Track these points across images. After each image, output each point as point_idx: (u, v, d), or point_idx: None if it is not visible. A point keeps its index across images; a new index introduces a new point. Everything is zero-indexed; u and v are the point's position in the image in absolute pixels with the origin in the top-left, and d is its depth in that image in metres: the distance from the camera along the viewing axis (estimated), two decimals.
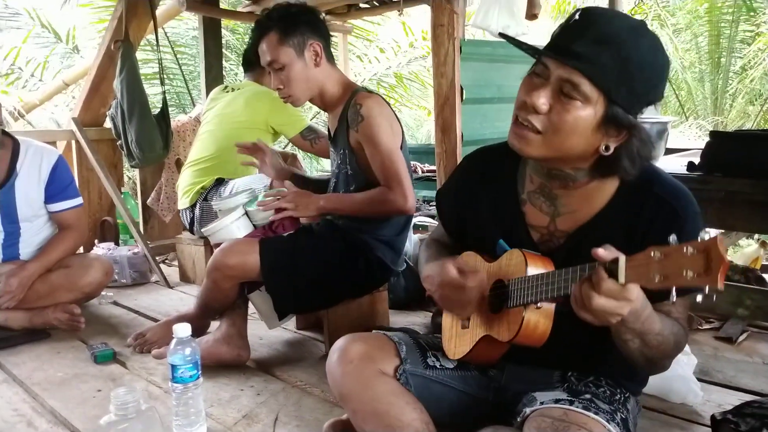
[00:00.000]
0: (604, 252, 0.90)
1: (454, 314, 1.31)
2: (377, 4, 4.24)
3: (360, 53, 7.57)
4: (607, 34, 1.04)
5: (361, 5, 4.31)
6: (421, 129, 9.14)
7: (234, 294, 2.04)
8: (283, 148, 4.81)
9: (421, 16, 7.24)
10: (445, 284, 1.22)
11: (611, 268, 0.89)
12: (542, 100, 1.07)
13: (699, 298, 0.81)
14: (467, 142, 2.72)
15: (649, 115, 2.79)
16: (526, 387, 1.24)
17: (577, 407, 1.12)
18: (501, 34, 1.27)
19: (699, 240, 0.79)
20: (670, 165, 2.46)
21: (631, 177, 1.13)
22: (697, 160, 2.21)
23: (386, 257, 2.11)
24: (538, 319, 1.11)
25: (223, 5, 4.48)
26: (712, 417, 1.03)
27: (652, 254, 0.83)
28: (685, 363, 1.88)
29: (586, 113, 1.05)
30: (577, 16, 1.07)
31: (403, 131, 2.07)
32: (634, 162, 1.10)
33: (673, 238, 0.83)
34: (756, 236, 4.40)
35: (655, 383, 1.78)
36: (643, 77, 1.05)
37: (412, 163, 3.89)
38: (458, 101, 2.68)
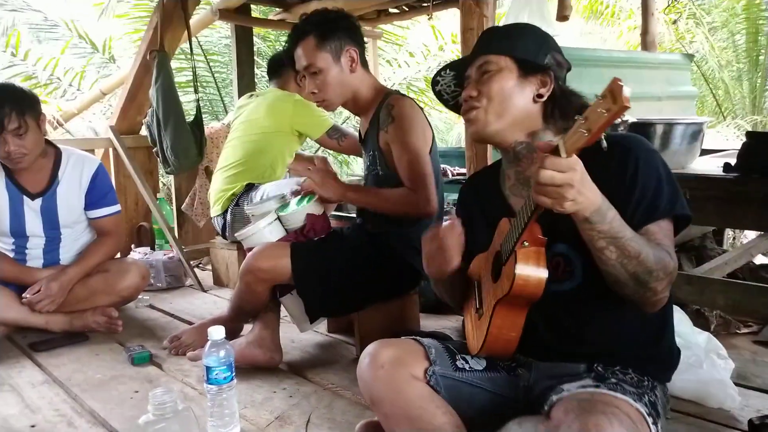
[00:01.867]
0: (544, 142, 1.05)
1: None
2: (407, 9, 4.26)
3: (390, 58, 7.59)
4: (494, 32, 1.43)
5: (391, 10, 4.33)
6: (451, 132, 9.11)
7: (266, 297, 2.07)
8: (315, 153, 4.85)
9: (450, 20, 7.23)
10: (426, 241, 1.39)
11: (555, 153, 0.99)
12: (471, 90, 1.32)
13: (622, 128, 0.93)
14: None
15: (685, 116, 2.76)
16: (553, 382, 1.24)
17: (603, 389, 1.13)
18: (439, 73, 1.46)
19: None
20: (706, 166, 2.42)
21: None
22: (733, 161, 2.17)
23: (416, 262, 2.10)
24: (530, 264, 1.14)
25: (254, 14, 4.55)
26: (750, 421, 1.01)
27: (578, 119, 0.94)
28: (722, 367, 1.84)
29: (503, 75, 1.30)
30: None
31: (434, 136, 2.08)
32: (568, 100, 1.30)
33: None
34: None
35: (691, 387, 1.75)
36: (526, 35, 1.36)
37: (442, 166, 3.91)
38: None
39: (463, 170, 3.69)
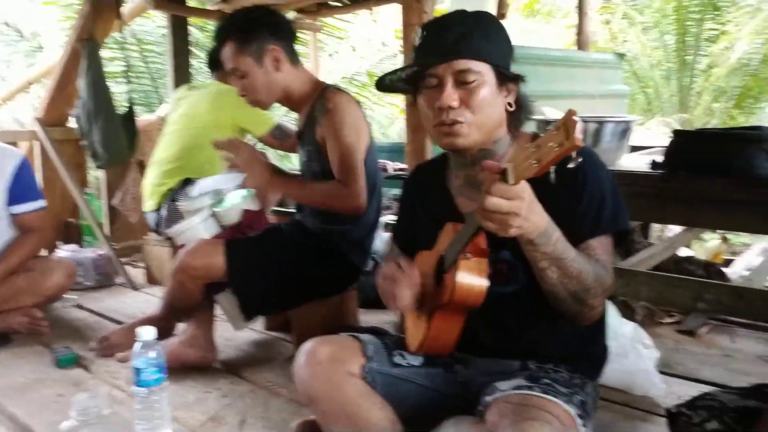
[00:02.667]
0: (491, 162, 1.01)
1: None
2: (348, 2, 4.22)
3: (331, 51, 7.54)
4: (465, 24, 1.25)
5: (332, 3, 4.29)
6: (393, 127, 9.14)
7: (200, 295, 2.02)
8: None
9: (393, 15, 7.24)
10: (383, 277, 1.33)
11: (502, 179, 0.98)
12: (453, 97, 1.22)
13: (571, 164, 0.89)
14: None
15: (615, 114, 2.85)
16: (489, 378, 1.27)
17: (536, 392, 1.15)
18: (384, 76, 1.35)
19: (559, 119, 0.88)
20: (634, 163, 2.51)
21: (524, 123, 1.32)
22: (660, 159, 2.26)
23: (355, 257, 2.11)
24: (472, 273, 1.16)
25: (191, 3, 4.42)
26: (668, 410, 1.05)
27: (528, 147, 0.92)
28: (647, 356, 1.91)
29: (486, 85, 1.23)
30: (425, 31, 1.27)
31: (371, 133, 2.07)
32: (527, 106, 1.30)
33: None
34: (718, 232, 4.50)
35: (617, 376, 1.81)
36: (501, 38, 1.29)
37: (382, 161, 3.91)
38: None
39: (404, 165, 3.71)
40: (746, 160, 2.00)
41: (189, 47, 4.12)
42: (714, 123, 7.63)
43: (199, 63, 6.37)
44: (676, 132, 2.36)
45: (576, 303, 1.14)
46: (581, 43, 4.13)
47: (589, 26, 4.36)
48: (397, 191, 3.91)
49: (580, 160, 0.89)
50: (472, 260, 1.15)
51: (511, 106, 1.28)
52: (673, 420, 1.04)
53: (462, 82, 1.22)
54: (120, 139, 3.37)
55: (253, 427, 1.70)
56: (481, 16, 1.28)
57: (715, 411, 0.99)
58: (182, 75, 3.92)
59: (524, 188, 0.98)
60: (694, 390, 1.85)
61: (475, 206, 1.30)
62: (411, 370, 1.33)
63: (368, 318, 2.50)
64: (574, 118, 0.86)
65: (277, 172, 2.01)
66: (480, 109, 1.23)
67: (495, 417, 1.08)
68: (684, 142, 2.26)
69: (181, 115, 2.95)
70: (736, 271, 3.34)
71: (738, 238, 5.02)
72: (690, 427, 1.00)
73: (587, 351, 1.35)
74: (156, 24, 6.35)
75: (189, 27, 4.15)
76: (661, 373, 1.91)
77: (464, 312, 1.23)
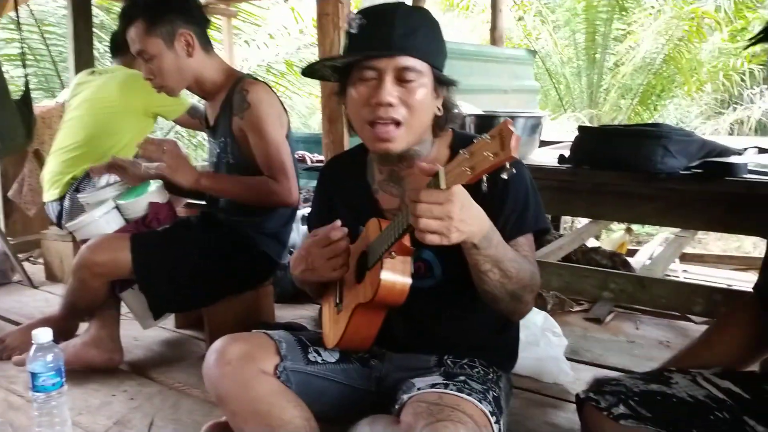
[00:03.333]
0: (425, 164, 0.98)
1: (326, 277, 1.28)
2: None
3: (248, 38, 7.35)
4: (410, 20, 1.19)
5: None
6: (314, 117, 9.05)
7: (104, 293, 1.91)
8: (166, 135, 4.59)
9: (311, 2, 7.15)
10: (312, 246, 1.25)
11: (434, 182, 0.96)
12: (393, 93, 1.17)
13: (505, 175, 0.88)
14: (355, 134, 2.71)
15: (526, 110, 2.93)
16: (405, 374, 1.27)
17: (451, 390, 1.16)
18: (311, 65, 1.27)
19: (494, 128, 0.87)
20: (543, 158, 2.59)
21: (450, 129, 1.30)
22: (567, 153, 2.34)
23: (271, 250, 2.06)
24: (396, 273, 1.14)
25: None
26: (576, 396, 1.09)
27: (462, 153, 0.91)
28: (556, 344, 1.99)
29: (425, 87, 1.20)
30: (366, 19, 1.19)
31: (289, 121, 2.02)
32: (453, 112, 1.28)
33: (477, 137, 0.90)
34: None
35: (528, 364, 1.87)
36: (441, 40, 1.25)
37: (301, 153, 3.86)
38: None
39: (322, 157, 3.68)
40: (645, 155, 2.10)
41: (93, 30, 3.91)
42: (621, 118, 8.05)
43: (104, 47, 6.05)
44: (580, 128, 2.46)
45: (513, 301, 1.16)
46: (495, 39, 4.22)
47: (504, 23, 4.46)
48: (315, 183, 3.87)
49: (514, 171, 0.88)
50: (397, 259, 1.14)
51: (439, 111, 1.26)
52: (582, 405, 1.07)
53: (402, 80, 1.17)
54: (15, 127, 3.13)
55: (162, 430, 1.63)
56: (425, 14, 1.26)
57: (622, 395, 1.03)
58: (85, 59, 3.72)
59: (455, 192, 0.96)
60: (601, 376, 1.95)
61: (397, 203, 1.32)
62: (326, 366, 1.32)
63: (285, 313, 2.47)
64: (511, 128, 0.84)
65: (202, 172, 1.94)
66: (416, 110, 1.19)
67: (410, 418, 1.08)
68: (588, 138, 2.36)
69: (84, 101, 2.79)
70: (639, 261, 3.54)
71: (643, 228, 5.33)
72: (598, 412, 1.03)
73: (500, 344, 1.38)
74: (57, 4, 5.98)
75: (93, 8, 3.93)
76: (570, 360, 1.99)
77: (385, 309, 1.22)
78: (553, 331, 2.03)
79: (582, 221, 3.99)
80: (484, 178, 0.91)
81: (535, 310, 2.06)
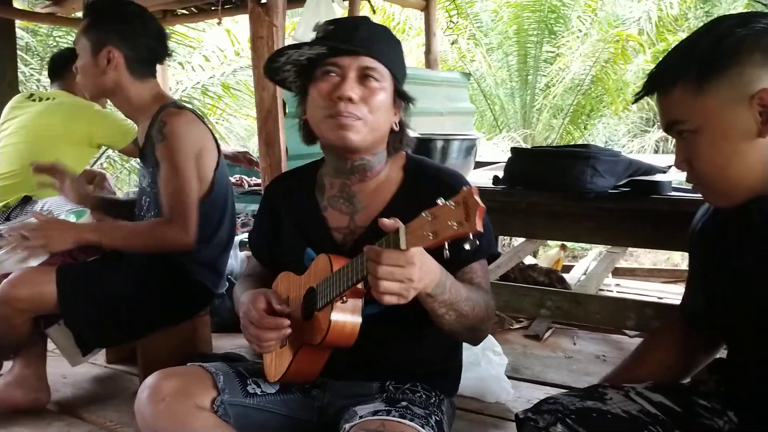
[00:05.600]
0: (388, 221, 0.97)
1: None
2: (195, 11, 4.08)
3: (182, 60, 7.23)
4: (374, 29, 1.26)
5: (179, 11, 4.12)
6: (253, 139, 8.95)
7: (27, 330, 1.81)
8: (92, 166, 4.44)
9: (246, 25, 7.10)
10: (245, 315, 1.24)
11: (394, 239, 0.95)
12: (356, 90, 1.19)
13: (467, 245, 0.87)
14: (292, 157, 2.69)
15: (461, 132, 2.99)
16: (347, 402, 1.26)
17: (393, 416, 1.16)
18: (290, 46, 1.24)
19: (459, 194, 0.87)
20: (479, 179, 2.64)
21: (407, 151, 1.33)
22: (501, 174, 2.39)
23: (207, 280, 2.00)
24: (346, 315, 1.13)
25: (18, 5, 4.03)
26: (516, 416, 1.10)
27: (424, 215, 0.91)
28: (497, 363, 2.01)
29: (385, 92, 1.23)
30: (332, 25, 1.25)
31: (219, 149, 1.98)
32: (407, 134, 1.31)
33: (441, 200, 0.90)
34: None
35: (470, 385, 1.89)
36: (401, 55, 1.30)
37: (238, 176, 3.80)
38: (281, 115, 2.64)
39: (259, 181, 3.63)
40: (575, 176, 2.17)
41: (17, 52, 3.77)
42: (553, 137, 8.31)
43: (30, 70, 5.83)
44: (512, 150, 2.53)
45: (471, 333, 1.20)
46: (430, 62, 4.29)
47: (438, 46, 4.55)
48: (254, 207, 3.80)
49: (477, 243, 0.88)
50: (349, 302, 1.13)
51: (396, 126, 1.28)
52: (521, 425, 1.08)
53: (365, 80, 1.20)
54: None
55: None
56: (387, 30, 1.32)
57: (559, 414, 1.04)
58: (9, 82, 3.60)
59: (414, 254, 0.96)
60: (540, 393, 1.98)
61: (346, 221, 1.31)
62: (266, 398, 1.29)
63: (223, 343, 2.40)
64: (477, 199, 0.84)
65: (83, 227, 1.85)
66: (376, 111, 1.21)
67: None
68: (520, 160, 2.42)
69: (21, 127, 2.66)
70: (575, 277, 3.64)
71: (577, 243, 5.49)
72: (537, 431, 1.05)
73: (443, 368, 1.38)
74: None
75: (18, 30, 3.80)
76: (511, 378, 2.01)
77: (332, 348, 1.20)
78: (494, 350, 2.05)
79: (518, 239, 4.07)
80: (446, 246, 0.90)
81: None
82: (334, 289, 1.11)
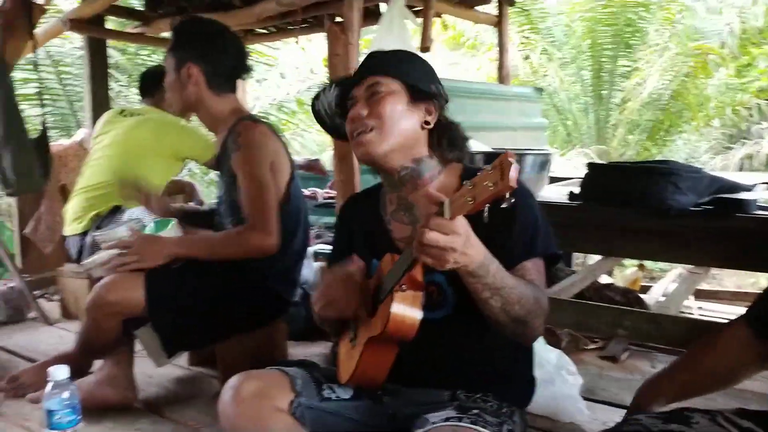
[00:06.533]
0: (434, 193, 1.05)
1: (344, 314, 1.31)
2: (274, 30, 4.24)
3: (260, 77, 7.50)
4: (381, 55, 1.41)
5: (258, 30, 4.29)
6: (324, 154, 9.15)
7: (117, 332, 1.92)
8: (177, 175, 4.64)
9: (321, 43, 7.30)
10: (328, 284, 1.31)
11: (440, 212, 1.01)
12: (361, 109, 1.31)
13: (504, 204, 0.92)
14: (365, 170, 2.75)
15: (535, 147, 2.96)
16: (418, 409, 1.26)
17: (465, 423, 1.16)
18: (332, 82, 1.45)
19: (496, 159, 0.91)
20: (553, 194, 2.60)
21: (459, 152, 1.37)
22: (577, 190, 2.35)
23: (281, 289, 2.07)
24: (406, 306, 1.16)
25: (110, 25, 4.31)
26: None
27: (466, 184, 0.96)
28: (572, 383, 1.97)
29: (394, 97, 1.31)
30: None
31: (292, 165, 2.05)
32: (450, 130, 1.35)
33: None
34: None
35: (543, 403, 1.85)
36: (416, 62, 1.39)
37: (312, 189, 3.90)
38: None
39: (334, 193, 3.71)
40: (655, 192, 2.11)
41: (108, 70, 4.02)
42: (630, 154, 8.06)
43: (119, 86, 6.18)
44: (589, 165, 2.48)
45: (519, 326, 1.18)
46: (502, 76, 4.28)
47: (510, 60, 4.53)
48: (327, 219, 3.89)
49: (512, 201, 0.91)
50: (408, 292, 1.16)
51: (428, 124, 1.33)
52: None
53: (371, 95, 1.31)
54: (32, 165, 3.19)
55: None
56: (398, 50, 1.43)
57: None
58: (101, 99, 3.82)
59: (461, 223, 1.00)
60: (617, 415, 1.92)
61: (409, 231, 1.34)
62: (340, 403, 1.32)
63: (298, 351, 2.47)
64: (510, 159, 0.88)
65: (172, 242, 1.95)
66: (385, 117, 1.29)
67: None
68: (597, 175, 2.37)
69: (113, 141, 2.81)
70: (653, 297, 3.51)
71: (656, 264, 5.29)
72: None
73: (514, 379, 1.38)
74: (74, 45, 6.14)
75: (108, 49, 4.05)
76: (586, 399, 1.96)
77: (396, 344, 1.23)
78: (568, 369, 2.01)
79: (594, 258, 3.97)
80: (486, 209, 0.94)
81: (549, 347, 2.05)
82: (394, 277, 1.17)
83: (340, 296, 1.28)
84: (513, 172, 0.88)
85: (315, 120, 1.50)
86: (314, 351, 2.52)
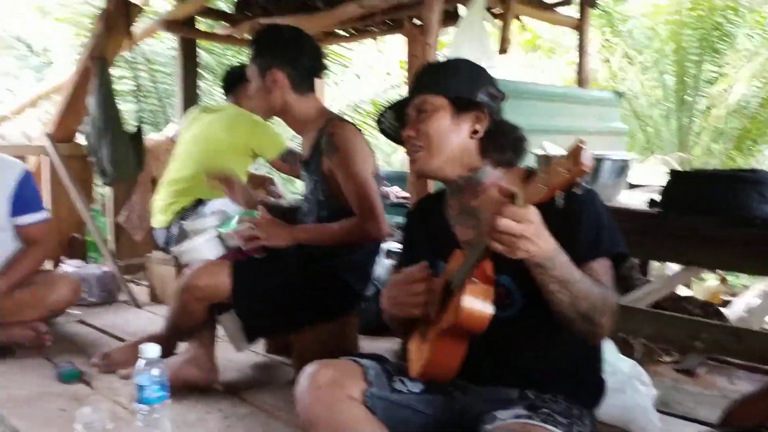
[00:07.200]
0: (505, 186, 1.07)
1: (409, 313, 1.33)
2: (354, 32, 4.32)
3: (337, 79, 7.65)
4: (430, 70, 1.46)
5: (338, 32, 4.38)
6: (396, 155, 9.22)
7: (203, 316, 2.04)
8: (256, 170, 4.80)
9: (397, 44, 7.36)
10: (395, 284, 1.35)
11: (512, 202, 1.03)
12: (410, 130, 1.38)
13: (578, 190, 0.96)
14: None
15: (613, 152, 2.90)
16: (488, 407, 1.28)
17: (535, 420, 1.18)
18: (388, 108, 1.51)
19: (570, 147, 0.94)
20: (632, 201, 2.54)
21: (514, 155, 1.38)
22: (657, 197, 2.30)
23: (354, 282, 2.13)
24: (477, 299, 1.17)
25: (200, 26, 4.52)
26: None
27: (539, 174, 0.99)
28: (645, 394, 1.92)
29: (438, 114, 1.35)
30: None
31: (374, 161, 2.11)
32: (504, 133, 1.37)
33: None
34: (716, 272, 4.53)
35: (614, 413, 1.82)
36: (462, 74, 1.41)
37: (385, 189, 3.95)
38: None
39: (406, 194, 3.75)
40: (740, 201, 2.03)
41: (197, 69, 4.20)
42: (714, 163, 7.70)
43: (206, 84, 6.46)
44: (672, 172, 2.41)
45: (586, 323, 1.18)
46: (581, 80, 4.21)
47: (589, 64, 4.44)
48: (399, 219, 3.94)
49: (586, 185, 0.95)
50: (479, 285, 1.17)
51: (476, 133, 1.35)
52: None
53: (418, 113, 1.37)
54: (128, 157, 3.41)
55: None
56: (445, 61, 1.48)
57: None
58: (190, 96, 4.01)
59: (533, 212, 1.02)
60: (691, 430, 1.88)
61: (472, 234, 1.36)
62: (411, 396, 1.35)
63: (368, 345, 2.51)
64: (582, 145, 0.92)
65: (295, 228, 2.07)
66: (429, 136, 1.34)
67: None
68: (679, 182, 2.30)
69: (195, 136, 2.98)
70: (734, 312, 3.36)
71: (737, 279, 5.05)
72: None
73: (584, 379, 1.37)
74: (165, 45, 6.46)
75: (198, 49, 4.24)
76: (659, 411, 1.92)
77: (467, 337, 1.24)
78: (641, 379, 1.97)
79: (672, 268, 3.84)
80: (560, 194, 0.97)
81: (622, 357, 2.01)
82: (465, 270, 1.19)
83: (407, 295, 1.31)
84: (586, 157, 0.91)
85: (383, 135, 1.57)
86: (384, 346, 2.56)
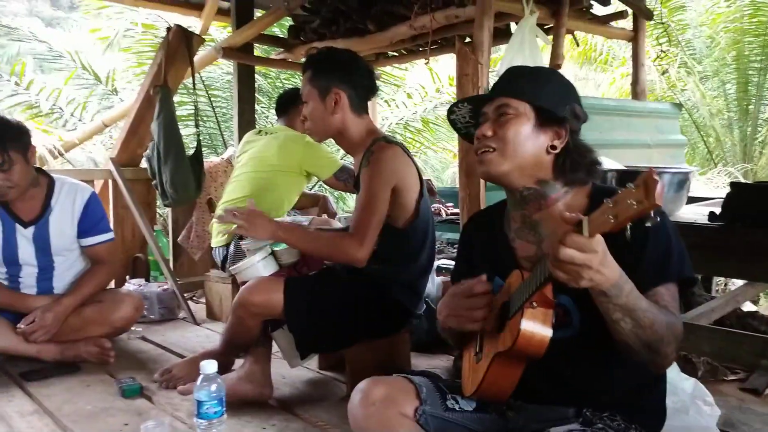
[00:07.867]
0: (569, 214, 1.02)
1: (467, 327, 1.31)
2: (405, 52, 4.37)
3: (388, 98, 7.73)
4: (517, 72, 1.40)
5: (390, 53, 4.44)
6: (447, 171, 9.22)
7: (258, 331, 2.09)
8: (311, 189, 4.89)
9: (447, 63, 7.40)
10: (454, 296, 1.33)
11: (577, 231, 0.99)
12: (488, 128, 1.32)
13: (648, 223, 0.89)
14: (490, 187, 2.75)
15: (673, 165, 2.83)
16: (541, 425, 1.26)
17: None
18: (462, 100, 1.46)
19: (639, 177, 0.89)
20: (692, 215, 2.47)
21: (586, 176, 1.32)
22: (718, 210, 2.22)
23: (406, 300, 2.14)
24: (536, 323, 1.15)
25: (257, 52, 4.66)
26: None
27: (606, 202, 0.94)
28: (708, 414, 1.85)
29: (520, 121, 1.30)
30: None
31: (421, 182, 2.11)
32: (581, 154, 1.31)
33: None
34: None
35: None
36: (554, 86, 1.36)
37: (436, 206, 3.95)
38: None
39: (457, 210, 3.74)
40: None
41: (254, 94, 4.33)
42: None
43: (262, 108, 6.64)
44: (732, 184, 2.32)
45: (649, 352, 1.14)
46: (637, 92, 4.11)
47: (645, 75, 4.34)
48: (450, 235, 3.93)
49: (658, 219, 0.89)
50: (538, 309, 1.15)
51: (554, 149, 1.31)
52: None
53: (499, 116, 1.32)
54: (188, 180, 3.53)
55: None
56: (536, 68, 1.43)
57: None
58: (246, 120, 4.12)
59: (599, 241, 0.98)
60: None
61: (534, 250, 1.34)
62: (463, 414, 1.34)
63: (420, 362, 2.51)
64: (656, 177, 0.86)
65: (279, 225, 2.09)
66: (508, 139, 1.29)
67: None
68: (741, 195, 2.22)
69: (250, 159, 3.06)
70: None
71: None
72: None
73: (643, 402, 1.33)
74: (222, 71, 6.69)
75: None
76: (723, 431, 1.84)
77: (524, 360, 1.22)
78: (705, 399, 1.90)
79: (736, 283, 3.69)
80: (628, 227, 0.92)
81: (684, 375, 1.94)
82: (524, 294, 1.16)
83: (466, 309, 1.29)
84: (659, 190, 0.86)
85: (452, 127, 1.53)
86: (436, 363, 2.56)
